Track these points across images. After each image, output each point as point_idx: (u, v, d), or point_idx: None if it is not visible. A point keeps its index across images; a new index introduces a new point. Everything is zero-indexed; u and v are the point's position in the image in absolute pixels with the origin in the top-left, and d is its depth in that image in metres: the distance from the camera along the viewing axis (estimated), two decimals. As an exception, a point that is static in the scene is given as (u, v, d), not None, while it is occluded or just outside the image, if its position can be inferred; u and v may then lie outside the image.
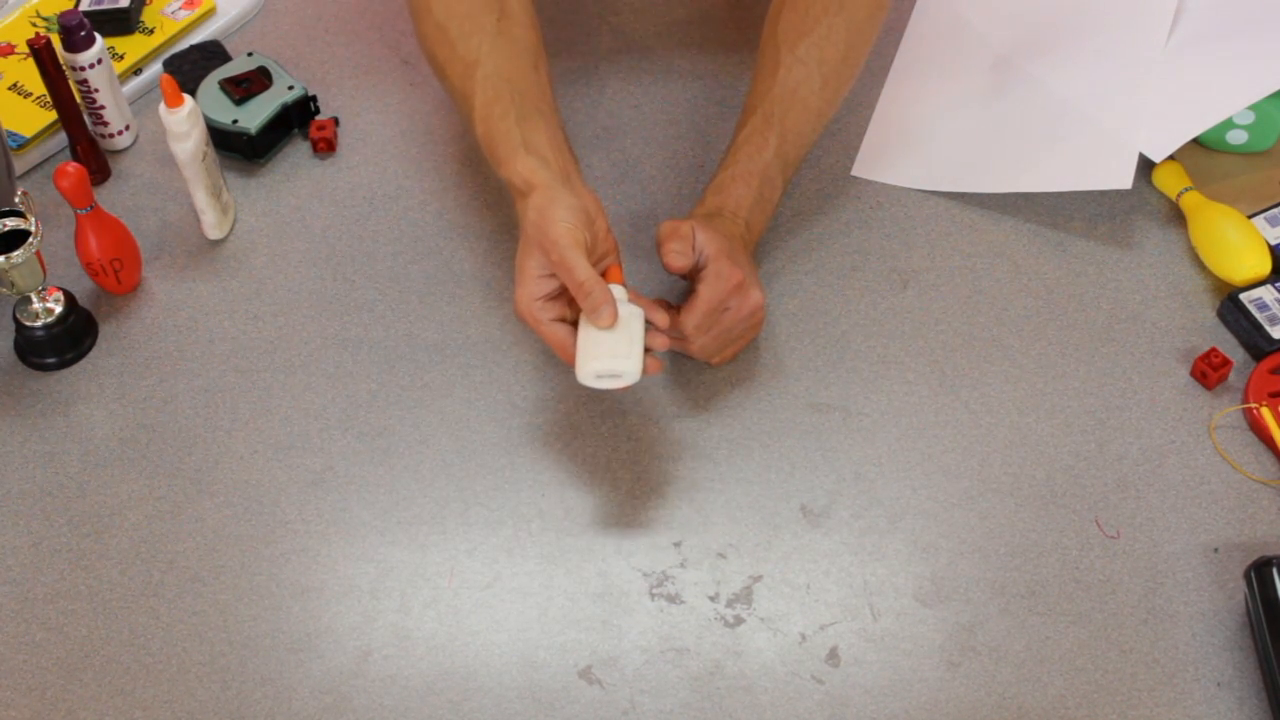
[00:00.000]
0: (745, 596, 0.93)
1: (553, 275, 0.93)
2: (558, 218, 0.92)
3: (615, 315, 0.91)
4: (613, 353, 0.92)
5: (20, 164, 1.18)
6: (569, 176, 0.97)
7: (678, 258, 0.97)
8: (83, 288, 1.10)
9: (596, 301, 0.91)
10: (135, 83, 1.26)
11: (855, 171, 1.17)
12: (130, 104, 1.23)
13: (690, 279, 0.99)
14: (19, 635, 0.93)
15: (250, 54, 1.22)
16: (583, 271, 0.91)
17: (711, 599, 0.93)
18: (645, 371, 0.93)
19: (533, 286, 0.93)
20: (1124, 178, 1.08)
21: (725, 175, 1.05)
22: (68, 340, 1.06)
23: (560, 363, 1.05)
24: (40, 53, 1.10)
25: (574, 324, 0.94)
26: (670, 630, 0.92)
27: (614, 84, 1.25)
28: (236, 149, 1.18)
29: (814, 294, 1.09)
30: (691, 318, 0.97)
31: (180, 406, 1.04)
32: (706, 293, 0.96)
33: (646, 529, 0.97)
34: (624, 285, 0.95)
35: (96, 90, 1.16)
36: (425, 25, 1.07)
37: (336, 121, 1.21)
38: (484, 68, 1.01)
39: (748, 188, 1.04)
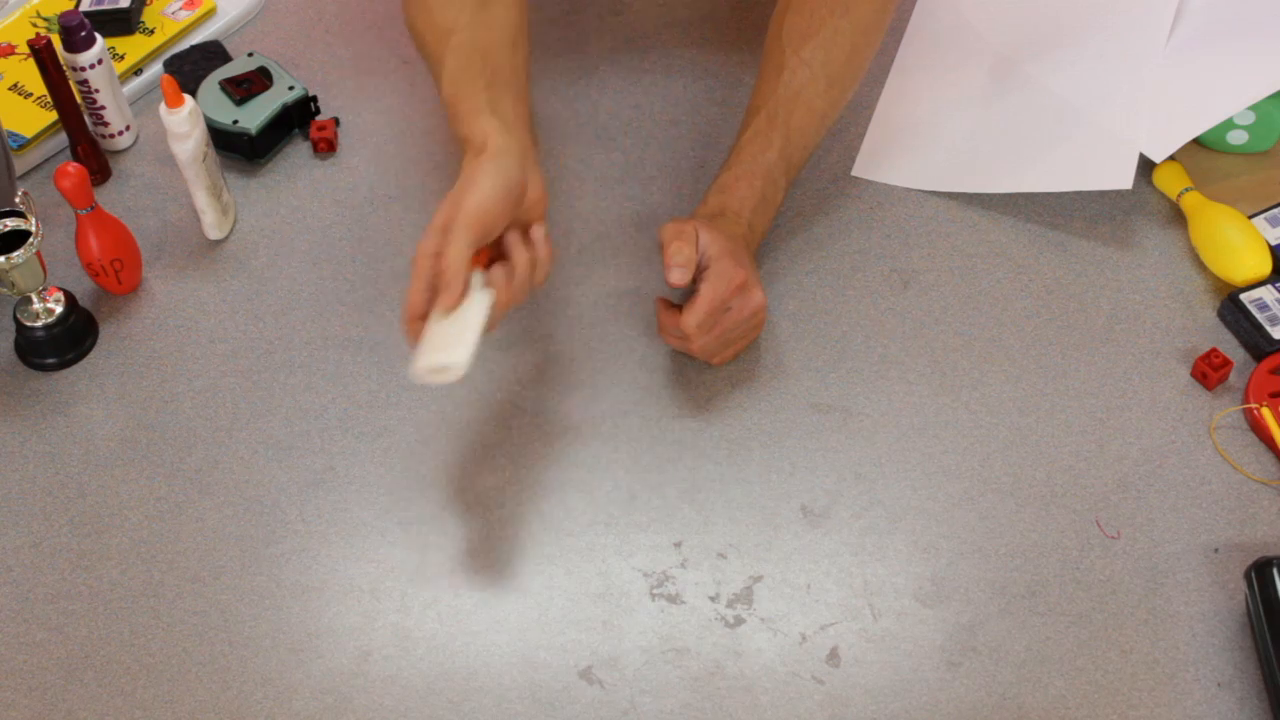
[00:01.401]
0: (745, 597, 0.93)
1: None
2: (480, 191, 0.90)
3: (452, 303, 0.89)
4: (440, 346, 0.89)
5: (21, 164, 1.18)
6: (525, 153, 0.94)
7: (681, 260, 0.96)
8: (83, 288, 1.10)
9: (441, 282, 0.89)
10: (136, 83, 1.26)
11: (855, 171, 1.17)
12: (131, 104, 1.23)
13: (693, 279, 0.99)
14: (19, 635, 0.93)
15: (250, 54, 1.22)
16: (453, 254, 0.88)
17: (712, 599, 0.93)
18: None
19: (433, 239, 0.90)
20: (1124, 178, 1.08)
21: (728, 176, 1.05)
22: (68, 340, 1.06)
23: (562, 362, 1.05)
24: (41, 53, 1.10)
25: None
26: (670, 630, 0.92)
27: (614, 84, 1.25)
28: (237, 149, 1.18)
29: (814, 294, 1.09)
30: (693, 317, 0.97)
31: (180, 406, 1.04)
32: (709, 292, 0.96)
33: (646, 529, 0.97)
34: (484, 270, 0.92)
35: (97, 90, 1.16)
36: None
37: (336, 121, 1.21)
38: (459, 35, 0.99)
39: (751, 189, 1.04)
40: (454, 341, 0.89)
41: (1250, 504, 0.97)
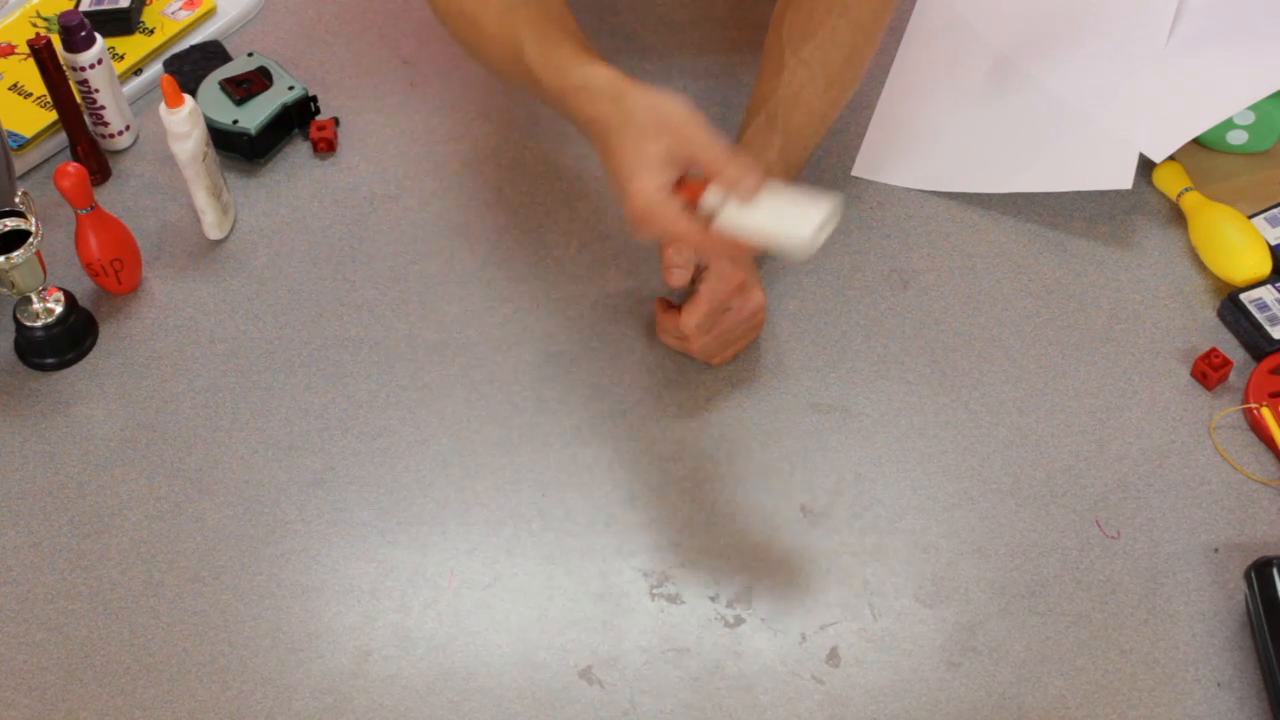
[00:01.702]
0: (745, 596, 0.93)
1: (674, 163, 0.87)
2: (677, 101, 0.87)
3: (759, 179, 0.86)
4: (809, 202, 0.86)
5: (20, 164, 1.18)
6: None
7: (680, 261, 0.96)
8: (83, 288, 1.10)
9: (742, 167, 0.85)
10: (135, 83, 1.26)
11: (855, 171, 1.17)
12: (130, 104, 1.23)
13: (692, 280, 0.99)
14: (19, 635, 0.93)
15: (250, 54, 1.22)
16: (722, 145, 0.86)
17: (711, 599, 0.93)
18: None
19: (657, 174, 0.86)
20: (1124, 178, 1.08)
21: None
22: (68, 340, 1.06)
23: (561, 363, 1.05)
24: (40, 53, 1.10)
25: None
26: (670, 630, 0.92)
27: (614, 84, 1.25)
28: (237, 149, 1.18)
29: (814, 294, 1.09)
30: (693, 317, 0.97)
31: (180, 406, 1.04)
32: (708, 292, 0.96)
33: (646, 529, 0.97)
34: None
35: (97, 90, 1.16)
36: None
37: (336, 121, 1.21)
38: (527, 8, 0.98)
39: None
40: (806, 197, 0.86)
41: (1250, 504, 0.97)
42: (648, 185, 0.86)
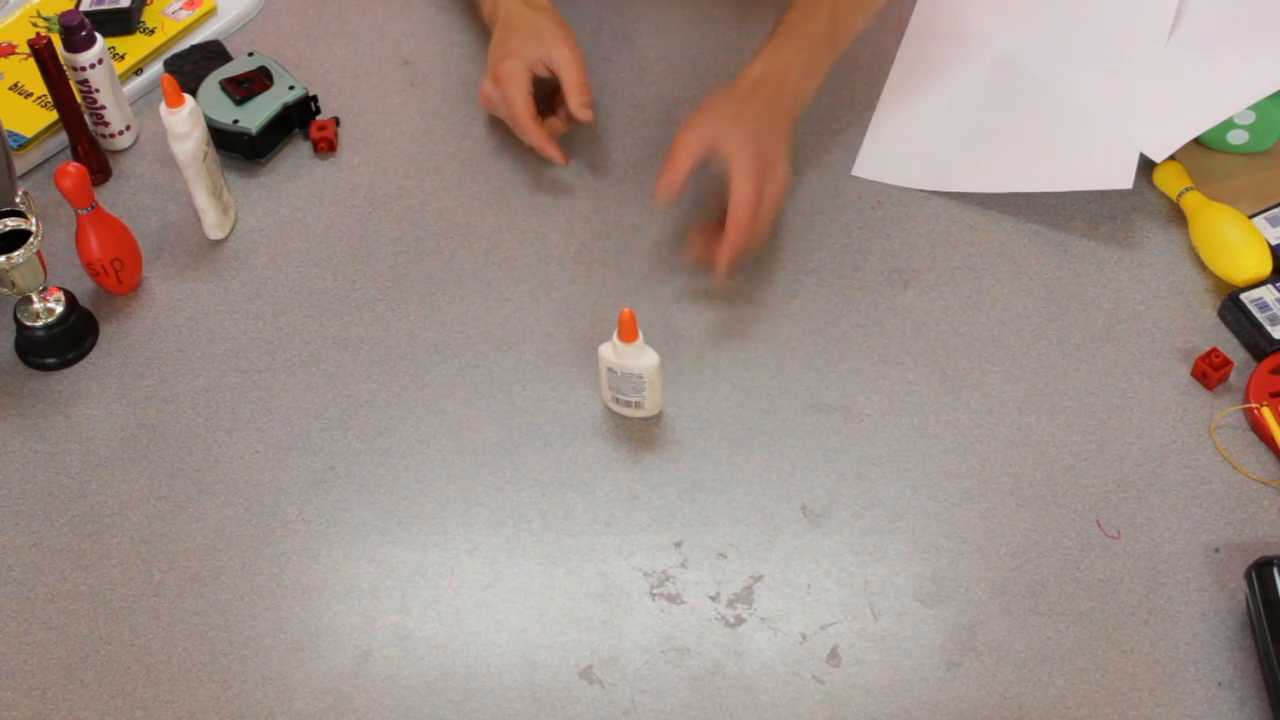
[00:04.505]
0: (746, 596, 0.93)
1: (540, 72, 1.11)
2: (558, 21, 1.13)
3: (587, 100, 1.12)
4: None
5: (21, 164, 1.18)
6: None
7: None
8: (83, 288, 1.10)
9: (580, 87, 1.12)
10: (136, 83, 1.26)
11: (855, 171, 1.17)
12: (131, 104, 1.23)
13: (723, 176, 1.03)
14: (19, 635, 0.93)
15: (251, 54, 1.22)
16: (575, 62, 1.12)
17: (712, 599, 0.93)
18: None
19: (526, 76, 1.10)
20: (1124, 178, 1.08)
21: (773, 42, 1.07)
22: (68, 340, 1.06)
23: (561, 363, 1.05)
24: (41, 53, 1.10)
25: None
26: (671, 630, 0.92)
27: (614, 84, 1.25)
28: (237, 149, 1.18)
29: (814, 294, 1.09)
30: (745, 213, 1.00)
31: (180, 406, 1.04)
32: (745, 186, 1.01)
33: (646, 529, 0.97)
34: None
35: (97, 90, 1.16)
36: None
37: (337, 121, 1.21)
38: None
39: (796, 54, 1.06)
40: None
41: (1250, 504, 0.97)
42: (516, 65, 1.11)
